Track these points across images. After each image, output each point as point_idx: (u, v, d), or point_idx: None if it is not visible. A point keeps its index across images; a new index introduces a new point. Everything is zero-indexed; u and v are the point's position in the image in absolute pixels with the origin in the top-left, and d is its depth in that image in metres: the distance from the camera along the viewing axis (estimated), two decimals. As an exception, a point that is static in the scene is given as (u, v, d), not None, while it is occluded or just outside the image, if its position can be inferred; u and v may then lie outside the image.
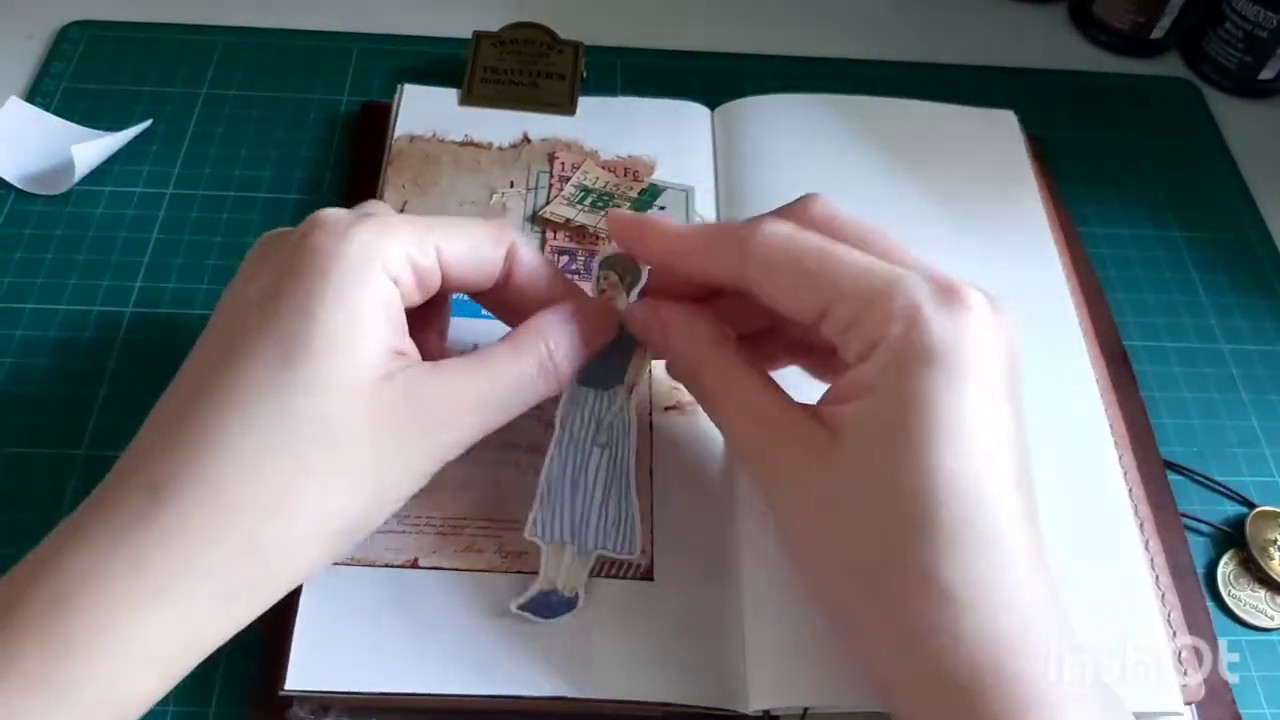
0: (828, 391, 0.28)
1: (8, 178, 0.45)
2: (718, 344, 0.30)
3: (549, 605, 0.32)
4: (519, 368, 0.29)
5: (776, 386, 0.29)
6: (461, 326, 0.38)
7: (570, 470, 0.33)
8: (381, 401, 0.27)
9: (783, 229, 0.28)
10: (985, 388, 0.25)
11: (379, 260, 0.28)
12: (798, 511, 0.28)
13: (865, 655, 0.27)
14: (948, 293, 0.26)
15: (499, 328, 0.39)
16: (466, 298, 0.39)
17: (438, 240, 0.29)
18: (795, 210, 0.30)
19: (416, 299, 0.30)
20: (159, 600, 0.24)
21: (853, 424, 0.26)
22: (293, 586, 0.28)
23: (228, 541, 0.25)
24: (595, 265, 0.34)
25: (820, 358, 0.32)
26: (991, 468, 0.25)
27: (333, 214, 0.29)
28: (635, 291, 0.33)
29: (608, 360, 0.33)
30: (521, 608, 0.32)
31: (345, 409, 0.26)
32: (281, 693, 0.31)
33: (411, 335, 0.29)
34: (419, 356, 0.29)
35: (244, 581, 0.26)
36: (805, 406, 0.28)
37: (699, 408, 0.32)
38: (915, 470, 0.25)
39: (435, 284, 0.30)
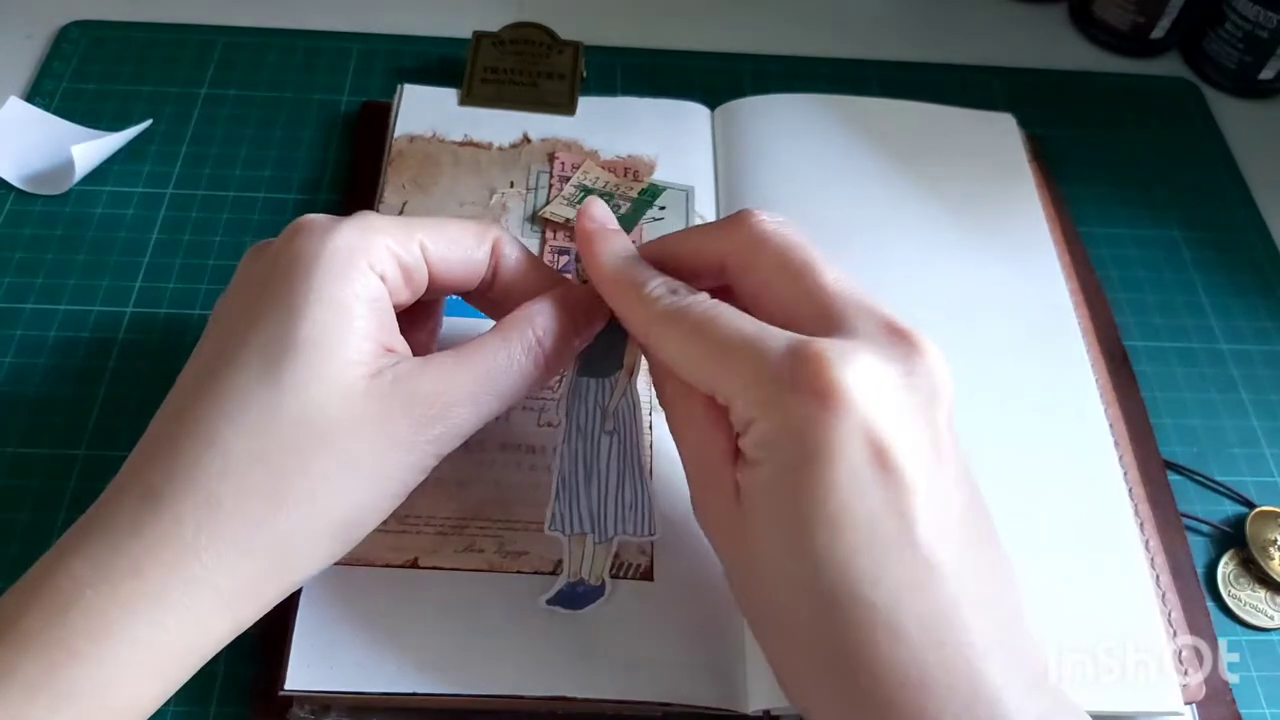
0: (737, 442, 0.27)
1: (8, 178, 0.45)
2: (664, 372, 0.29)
3: (577, 596, 0.32)
4: (508, 354, 0.29)
5: (719, 419, 0.27)
6: (456, 326, 0.38)
7: (582, 461, 0.33)
8: (372, 397, 0.27)
9: (678, 303, 0.28)
10: (849, 467, 0.24)
11: (364, 257, 0.28)
12: (714, 537, 0.29)
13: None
14: (805, 380, 0.25)
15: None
16: (460, 299, 0.39)
17: (422, 237, 0.29)
18: (724, 232, 0.29)
19: (405, 297, 0.30)
20: (158, 605, 0.24)
21: (746, 491, 0.26)
22: (296, 586, 0.28)
23: (225, 544, 0.25)
24: (574, 256, 0.33)
25: None
26: (864, 544, 0.24)
27: (315, 218, 0.29)
28: None
29: (603, 348, 0.33)
30: (550, 602, 0.32)
31: (335, 407, 0.26)
32: (281, 693, 0.31)
33: (404, 336, 0.29)
34: (410, 355, 0.29)
35: (244, 583, 0.26)
36: (733, 447, 0.27)
37: None
38: (790, 547, 0.25)
39: (423, 281, 0.30)
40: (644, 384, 0.33)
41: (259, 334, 0.27)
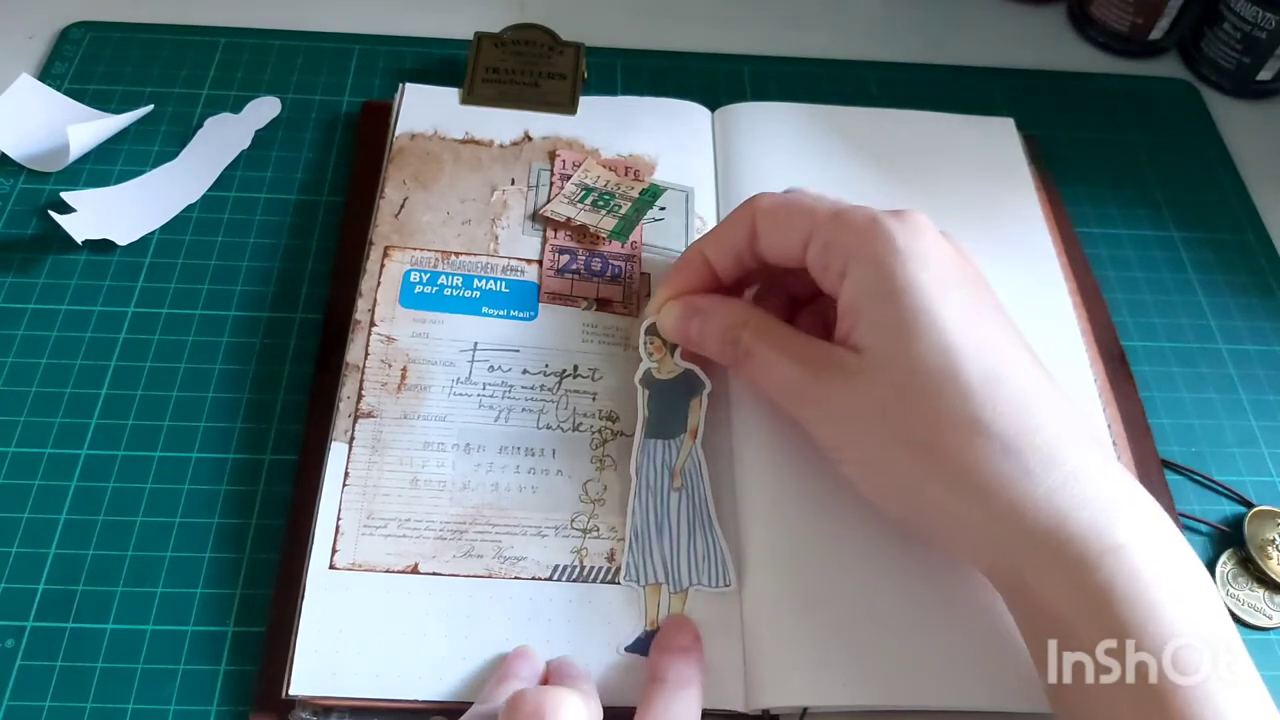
0: (836, 332, 0.32)
1: (9, 153, 0.45)
2: (750, 307, 0.34)
3: None
4: None
5: (803, 333, 0.33)
6: (459, 325, 0.38)
7: (652, 516, 0.34)
8: None
9: (774, 193, 0.34)
10: (952, 272, 0.31)
11: None
12: (852, 426, 0.31)
13: (953, 542, 0.30)
14: (896, 212, 0.32)
15: (500, 328, 0.39)
16: (463, 296, 0.39)
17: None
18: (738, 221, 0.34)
19: None
20: None
21: (867, 339, 0.30)
22: None
23: None
24: (641, 332, 0.36)
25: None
26: (992, 334, 0.30)
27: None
28: (679, 352, 0.36)
29: (669, 412, 0.35)
30: (629, 649, 0.32)
31: None
32: (285, 696, 0.31)
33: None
34: None
35: None
36: (829, 343, 0.32)
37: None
38: (932, 348, 0.29)
39: None
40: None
41: None
